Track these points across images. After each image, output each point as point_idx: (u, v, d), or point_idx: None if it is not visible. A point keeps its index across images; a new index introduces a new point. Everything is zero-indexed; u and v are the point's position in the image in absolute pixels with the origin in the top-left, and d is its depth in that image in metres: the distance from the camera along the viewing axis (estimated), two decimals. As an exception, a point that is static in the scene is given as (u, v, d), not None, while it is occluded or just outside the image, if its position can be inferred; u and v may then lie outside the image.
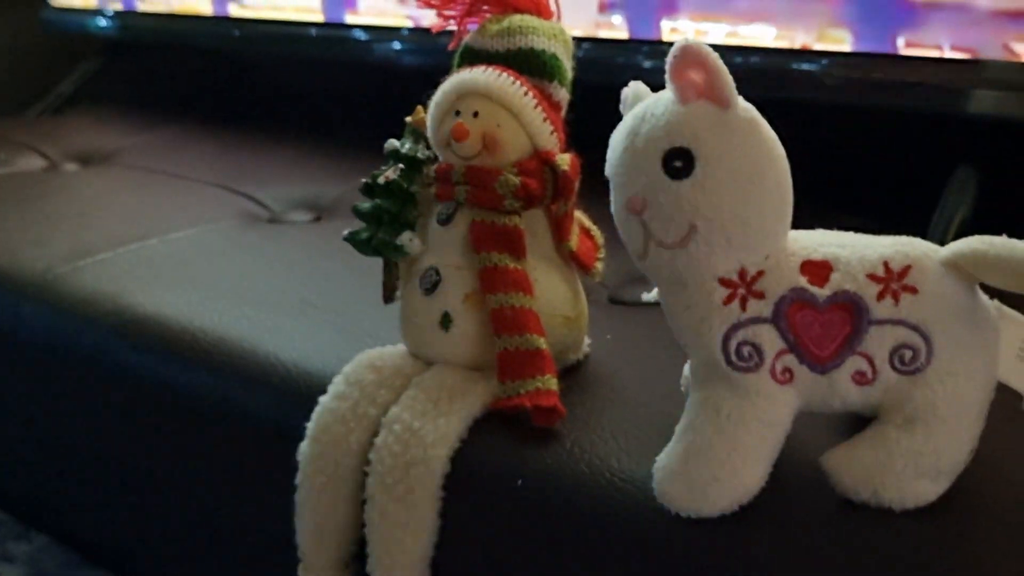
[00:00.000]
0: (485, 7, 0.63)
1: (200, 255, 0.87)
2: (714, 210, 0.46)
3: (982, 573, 0.45)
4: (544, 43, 0.62)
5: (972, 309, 0.47)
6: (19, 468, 0.90)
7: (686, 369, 0.57)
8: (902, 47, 0.78)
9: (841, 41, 0.80)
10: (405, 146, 0.64)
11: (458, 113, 0.60)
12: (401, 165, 0.63)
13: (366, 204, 0.63)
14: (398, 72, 1.06)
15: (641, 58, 0.91)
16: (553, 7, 0.64)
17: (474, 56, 0.63)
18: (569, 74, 0.63)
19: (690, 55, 0.46)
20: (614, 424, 0.57)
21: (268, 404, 0.66)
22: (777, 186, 0.47)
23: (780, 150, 0.48)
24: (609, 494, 0.52)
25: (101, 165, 1.18)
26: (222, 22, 1.27)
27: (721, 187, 0.46)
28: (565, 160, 0.61)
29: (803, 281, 0.47)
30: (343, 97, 1.20)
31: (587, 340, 0.66)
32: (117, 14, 1.41)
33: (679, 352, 0.59)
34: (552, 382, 0.57)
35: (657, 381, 0.61)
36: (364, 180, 0.64)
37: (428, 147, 0.64)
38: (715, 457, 0.48)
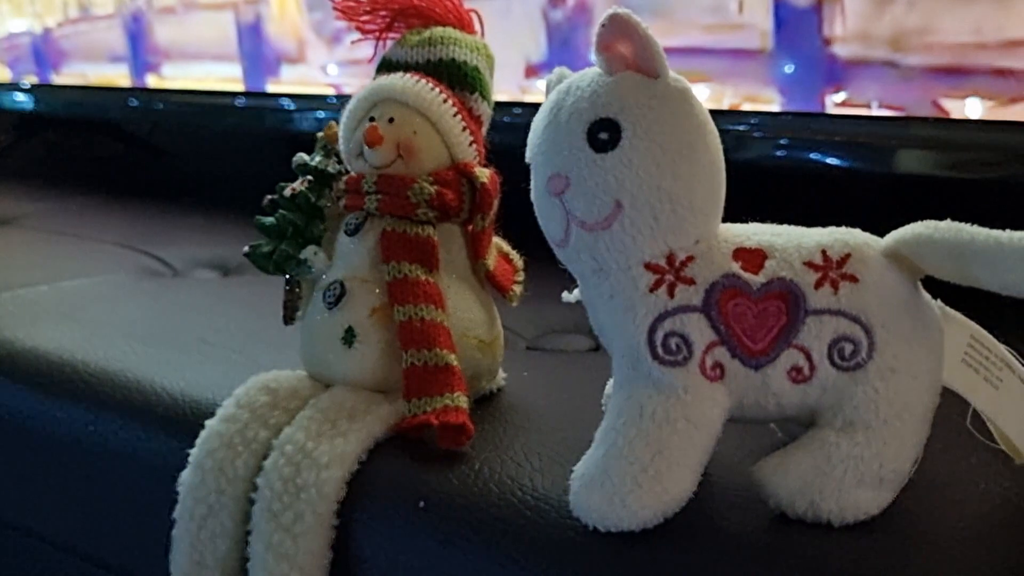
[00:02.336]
0: (406, 20, 0.61)
1: (91, 300, 0.81)
2: (640, 185, 0.43)
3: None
4: (466, 55, 0.59)
5: (915, 304, 0.44)
6: None
7: (608, 387, 0.52)
8: (830, 106, 0.77)
9: (770, 101, 0.79)
10: (315, 159, 0.60)
11: (372, 120, 0.57)
12: (309, 177, 0.59)
13: (269, 218, 0.59)
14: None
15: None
16: (476, 25, 0.61)
17: (392, 68, 0.60)
18: (491, 90, 0.60)
19: (618, 25, 0.44)
20: (527, 447, 0.52)
21: (150, 433, 0.60)
22: (709, 163, 0.44)
23: (712, 126, 0.45)
24: (520, 513, 0.47)
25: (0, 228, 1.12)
26: (139, 93, 1.24)
27: (649, 160, 0.43)
28: (484, 174, 0.57)
29: (736, 267, 0.44)
30: (259, 167, 1.17)
31: (502, 373, 0.61)
32: (32, 88, 1.37)
33: (599, 388, 0.54)
34: (462, 399, 0.53)
35: (575, 412, 0.56)
36: (268, 196, 0.60)
37: (340, 162, 0.60)
38: (637, 461, 0.43)
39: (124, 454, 0.61)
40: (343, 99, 0.59)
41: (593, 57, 0.45)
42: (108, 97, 1.28)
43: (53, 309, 0.78)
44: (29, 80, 1.38)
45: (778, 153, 0.79)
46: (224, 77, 1.15)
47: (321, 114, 1.05)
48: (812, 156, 0.77)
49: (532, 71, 0.92)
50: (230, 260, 0.94)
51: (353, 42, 0.62)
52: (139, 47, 1.23)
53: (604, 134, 0.43)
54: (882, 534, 0.43)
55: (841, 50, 0.75)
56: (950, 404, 0.46)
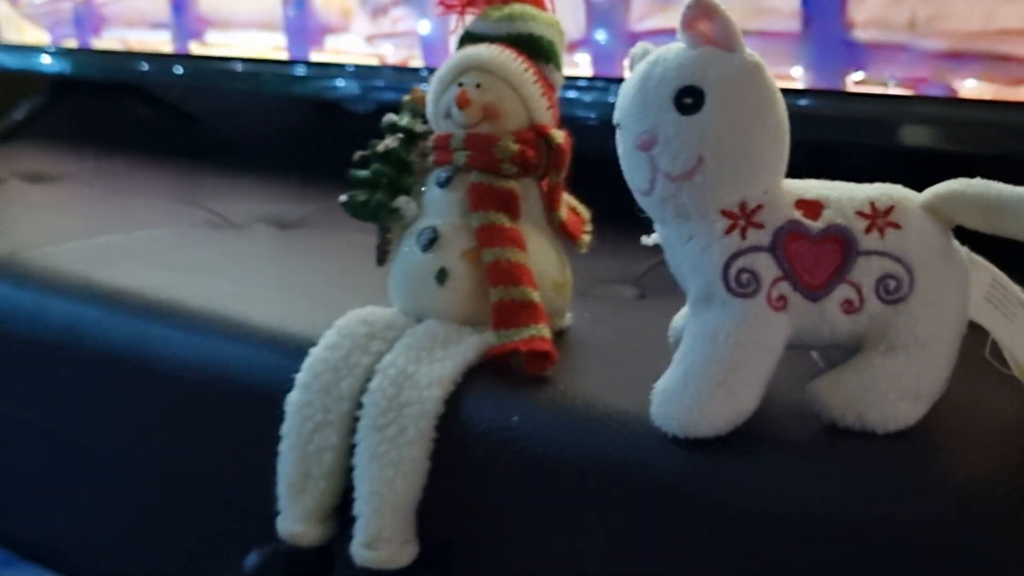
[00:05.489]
0: (486, -2, 0.68)
1: (169, 248, 0.88)
2: (720, 143, 0.51)
3: (956, 486, 0.49)
4: (542, 29, 0.66)
5: (948, 248, 0.52)
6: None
7: (674, 321, 0.60)
8: (850, 84, 0.84)
9: (793, 79, 0.87)
10: (404, 120, 0.67)
11: (460, 84, 0.64)
12: (400, 135, 0.66)
13: (363, 171, 0.66)
14: (360, 110, 1.10)
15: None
16: (548, 3, 0.69)
17: (475, 40, 0.67)
18: (563, 61, 0.67)
19: (701, 7, 0.51)
20: (605, 372, 0.60)
21: (252, 361, 0.67)
22: (777, 125, 0.52)
23: (780, 95, 0.52)
24: (604, 424, 0.55)
25: (51, 184, 1.18)
26: (175, 59, 1.29)
27: (728, 122, 0.51)
28: (559, 134, 0.65)
29: (798, 215, 0.52)
30: (308, 135, 1.23)
31: (568, 315, 0.69)
32: (66, 51, 1.42)
33: (661, 326, 0.62)
34: (546, 330, 0.60)
35: (638, 348, 0.64)
36: (360, 152, 0.67)
37: (425, 123, 0.67)
38: (713, 377, 0.51)
39: (224, 380, 0.68)
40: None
41: (678, 33, 0.53)
42: (147, 61, 1.33)
43: (137, 254, 0.85)
44: (68, 44, 1.43)
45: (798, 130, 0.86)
46: (268, 46, 1.21)
47: (358, 83, 1.11)
48: (830, 133, 0.85)
49: (570, 48, 0.99)
50: (286, 215, 1.00)
51: (438, 14, 0.69)
52: (183, 15, 1.29)
53: (689, 99, 0.51)
54: (917, 441, 0.51)
55: (862, 34, 0.83)
56: (972, 337, 0.54)
